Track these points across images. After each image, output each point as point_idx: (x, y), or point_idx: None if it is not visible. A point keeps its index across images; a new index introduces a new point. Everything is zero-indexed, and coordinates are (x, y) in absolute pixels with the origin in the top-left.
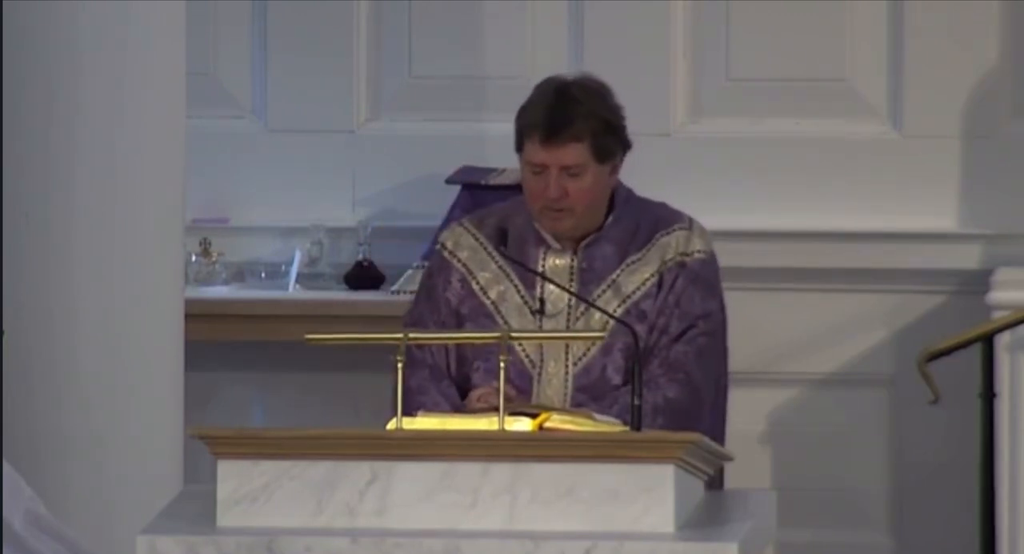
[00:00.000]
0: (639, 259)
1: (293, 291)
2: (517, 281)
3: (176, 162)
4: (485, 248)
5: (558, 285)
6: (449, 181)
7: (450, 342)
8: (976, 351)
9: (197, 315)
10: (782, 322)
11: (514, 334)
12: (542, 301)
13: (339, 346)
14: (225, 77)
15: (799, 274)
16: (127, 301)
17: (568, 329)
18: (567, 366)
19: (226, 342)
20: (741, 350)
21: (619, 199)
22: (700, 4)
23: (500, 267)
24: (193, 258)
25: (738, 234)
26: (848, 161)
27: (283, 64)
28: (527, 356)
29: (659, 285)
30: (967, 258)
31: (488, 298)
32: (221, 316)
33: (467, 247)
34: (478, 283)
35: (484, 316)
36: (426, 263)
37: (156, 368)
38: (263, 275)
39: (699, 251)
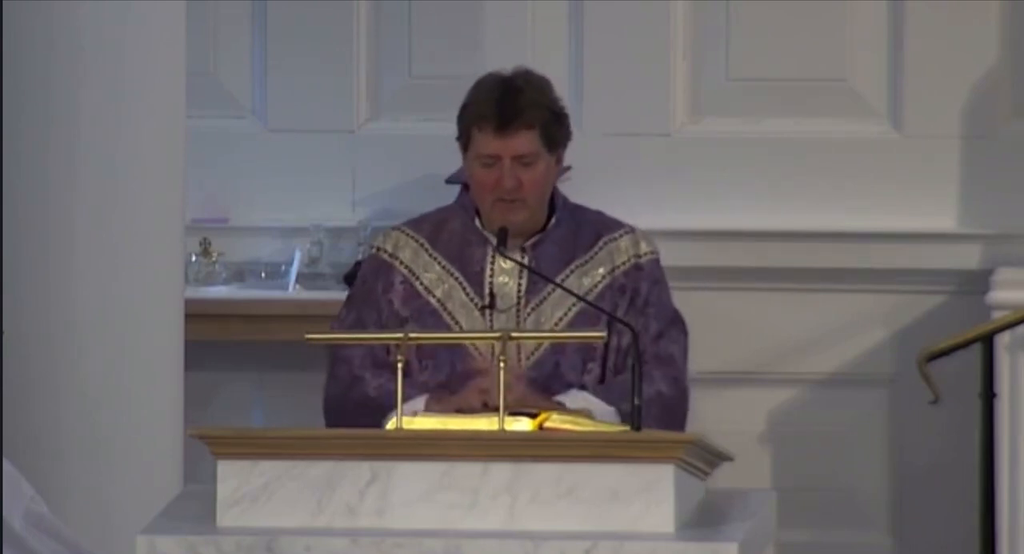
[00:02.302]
0: (588, 261)
1: (293, 291)
2: (462, 279)
3: (176, 162)
4: (426, 250)
5: (567, 290)
6: (449, 181)
7: (449, 342)
8: (976, 351)
9: (197, 315)
10: (782, 322)
11: (514, 334)
12: (492, 296)
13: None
14: (225, 77)
15: (799, 274)
16: (127, 301)
17: (519, 326)
18: (519, 361)
19: (226, 342)
20: (741, 350)
21: (559, 202)
22: (700, 4)
23: (443, 267)
24: (193, 258)
25: (738, 234)
26: (848, 161)
27: (283, 64)
28: (477, 351)
29: (616, 288)
30: (967, 258)
31: (434, 297)
32: (221, 316)
33: (408, 249)
34: (422, 283)
35: (430, 315)
36: None
37: (156, 368)
38: (263, 275)
39: (649, 252)
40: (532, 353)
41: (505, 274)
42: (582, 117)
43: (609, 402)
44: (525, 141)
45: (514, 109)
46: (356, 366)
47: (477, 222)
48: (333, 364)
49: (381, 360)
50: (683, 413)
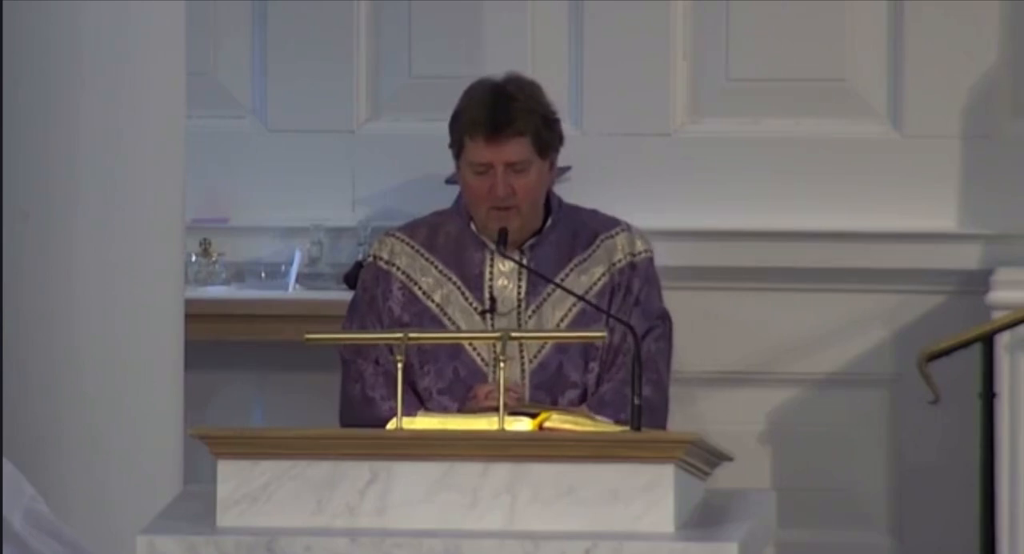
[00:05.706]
0: (586, 259)
1: (293, 291)
2: (460, 284)
3: (176, 162)
4: (422, 255)
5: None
6: (449, 181)
7: (450, 341)
8: (976, 351)
9: (197, 315)
10: (782, 322)
11: (513, 334)
12: (493, 300)
13: (339, 346)
14: (225, 77)
15: (799, 274)
16: (127, 301)
17: (520, 327)
18: (523, 364)
19: (226, 342)
20: (741, 350)
21: (554, 204)
22: (700, 4)
23: (440, 272)
24: (193, 258)
25: (738, 234)
26: (848, 161)
27: (283, 64)
28: (479, 355)
29: (612, 286)
30: (967, 258)
31: (433, 301)
32: (221, 316)
33: (404, 255)
34: (420, 288)
35: (430, 320)
36: None
37: (156, 368)
38: (263, 275)
39: (644, 251)
40: (535, 356)
41: (504, 277)
42: (582, 117)
43: (607, 417)
44: (517, 148)
45: (506, 117)
46: (368, 386)
47: (473, 226)
48: (345, 381)
49: (393, 376)
50: (664, 416)
